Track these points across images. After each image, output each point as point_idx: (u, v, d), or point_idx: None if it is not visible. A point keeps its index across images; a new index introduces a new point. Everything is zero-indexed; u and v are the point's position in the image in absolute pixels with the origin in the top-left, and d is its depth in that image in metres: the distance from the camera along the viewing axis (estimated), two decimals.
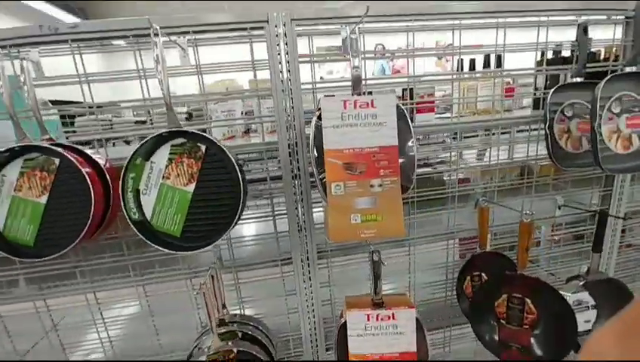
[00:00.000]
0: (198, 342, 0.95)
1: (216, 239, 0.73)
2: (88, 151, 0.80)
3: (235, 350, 0.87)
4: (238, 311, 1.05)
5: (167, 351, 1.06)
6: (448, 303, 1.16)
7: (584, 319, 1.02)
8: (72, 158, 0.73)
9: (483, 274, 1.09)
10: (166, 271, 0.99)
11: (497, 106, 1.25)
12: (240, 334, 0.94)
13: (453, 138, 1.81)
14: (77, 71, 0.82)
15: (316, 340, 1.08)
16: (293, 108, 0.88)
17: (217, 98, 0.90)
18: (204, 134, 0.72)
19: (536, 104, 1.34)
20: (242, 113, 1.17)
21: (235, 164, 0.69)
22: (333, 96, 0.80)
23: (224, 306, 0.96)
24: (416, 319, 0.88)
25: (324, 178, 0.78)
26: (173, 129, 0.71)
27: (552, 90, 1.01)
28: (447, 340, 1.20)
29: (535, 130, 1.10)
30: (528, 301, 0.92)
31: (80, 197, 0.73)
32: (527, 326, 0.93)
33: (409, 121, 0.82)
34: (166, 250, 0.73)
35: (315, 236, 1.00)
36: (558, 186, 1.20)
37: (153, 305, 1.02)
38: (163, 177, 0.74)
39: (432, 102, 1.15)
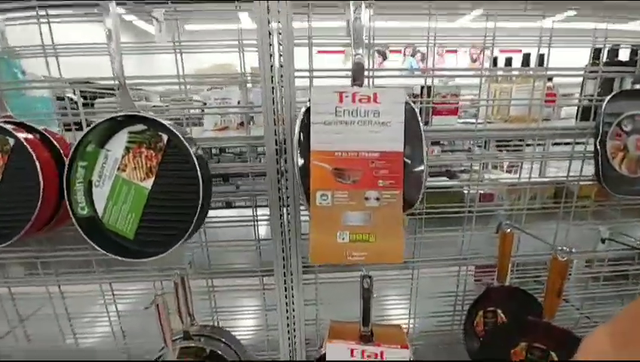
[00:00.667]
0: (161, 354, 0.85)
1: (173, 246, 0.61)
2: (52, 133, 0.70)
3: None
4: (211, 323, 0.94)
5: (135, 356, 0.97)
6: (454, 338, 0.99)
7: None
8: (24, 140, 0.63)
9: (499, 311, 0.91)
10: (134, 270, 0.89)
11: (534, 114, 1.06)
12: (208, 351, 0.83)
13: (480, 146, 1.60)
14: (52, 41, 0.72)
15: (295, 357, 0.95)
16: (283, 98, 0.75)
17: (194, 82, 0.78)
18: (164, 122, 0.60)
19: (583, 114, 1.13)
20: (239, 102, 1.04)
21: (195, 161, 0.57)
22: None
23: (191, 316, 0.84)
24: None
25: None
26: (129, 113, 0.60)
27: (609, 97, 0.81)
28: None
29: (578, 143, 0.90)
30: (554, 355, 0.74)
31: (30, 183, 0.63)
32: None
33: (420, 122, 0.66)
34: (113, 255, 0.62)
35: (302, 246, 0.86)
36: (602, 214, 0.99)
37: (123, 304, 0.94)
38: (118, 168, 0.63)
39: (454, 103, 0.97)
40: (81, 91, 0.89)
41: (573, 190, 1.00)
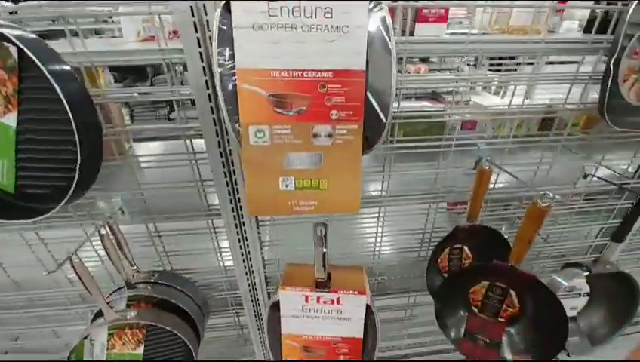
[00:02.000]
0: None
1: (64, 199, 0.47)
2: None
3: (140, 323, 0.71)
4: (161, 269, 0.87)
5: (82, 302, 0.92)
6: (418, 272, 0.98)
7: (571, 305, 0.85)
8: None
9: (465, 249, 0.88)
10: (60, 217, 0.76)
11: (540, 23, 0.86)
12: (157, 298, 0.77)
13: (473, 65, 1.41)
14: None
15: (257, 301, 0.93)
16: None
17: None
18: (4, 24, 0.39)
19: (588, 27, 0.93)
20: None
21: (55, 84, 0.39)
22: None
23: (132, 264, 0.77)
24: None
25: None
26: None
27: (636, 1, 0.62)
28: (411, 304, 1.06)
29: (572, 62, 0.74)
30: (513, 293, 0.73)
31: None
32: (502, 319, 0.75)
33: (390, 28, 0.48)
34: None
35: None
36: (587, 147, 0.89)
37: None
38: None
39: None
40: None
41: (564, 119, 0.87)
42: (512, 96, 0.76)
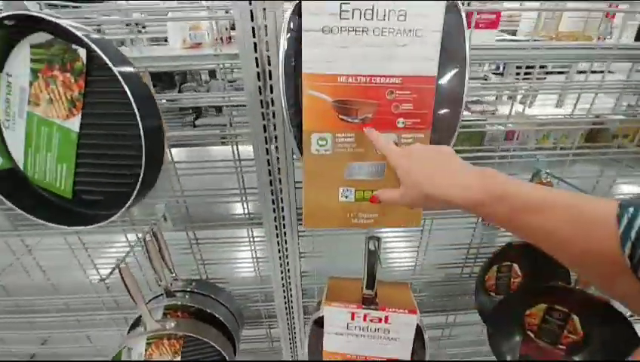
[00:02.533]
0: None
1: (123, 206, 0.46)
2: None
3: (179, 333, 0.69)
4: (197, 277, 0.85)
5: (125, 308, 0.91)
6: (462, 290, 0.93)
7: None
8: None
9: (515, 267, 0.82)
10: None
11: (592, 30, 0.82)
12: (194, 308, 0.75)
13: (517, 74, 1.37)
14: None
15: (292, 314, 0.90)
16: None
17: None
18: (77, 26, 0.38)
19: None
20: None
21: (126, 87, 0.37)
22: None
23: (171, 271, 0.75)
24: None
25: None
26: (16, 12, 0.38)
27: None
28: (451, 323, 1.01)
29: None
30: (575, 318, 0.67)
31: None
32: (562, 347, 0.69)
33: (466, 31, 0.45)
34: (46, 222, 0.47)
35: (297, 193, 0.72)
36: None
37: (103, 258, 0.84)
38: (29, 102, 0.44)
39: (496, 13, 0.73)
40: None
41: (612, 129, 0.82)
42: (575, 106, 0.71)
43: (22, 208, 0.47)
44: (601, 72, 0.70)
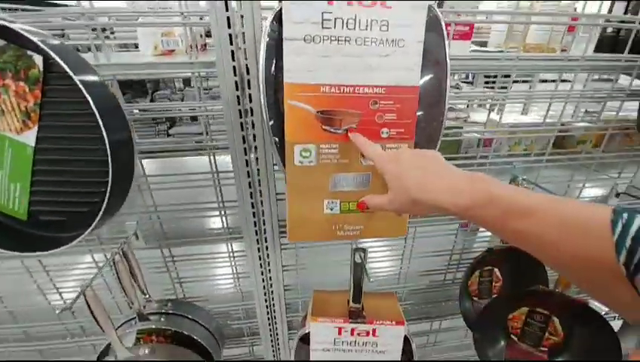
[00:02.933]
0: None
1: (87, 227, 0.42)
2: None
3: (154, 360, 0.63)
4: (174, 296, 0.80)
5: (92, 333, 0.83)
6: (445, 291, 0.93)
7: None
8: None
9: (496, 271, 0.83)
10: None
11: (554, 42, 0.86)
12: (171, 331, 0.70)
13: (486, 83, 1.41)
14: None
15: (275, 330, 0.86)
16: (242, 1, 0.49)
17: None
18: (33, 31, 0.35)
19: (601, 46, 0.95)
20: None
21: (89, 97, 0.34)
22: None
23: (144, 293, 0.70)
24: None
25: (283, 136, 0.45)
26: None
27: None
28: (435, 329, 1.01)
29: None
30: (556, 320, 0.68)
31: None
32: (544, 349, 0.71)
33: (446, 40, 0.45)
34: (7, 251, 0.42)
35: (279, 205, 0.69)
36: (612, 164, 0.88)
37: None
38: None
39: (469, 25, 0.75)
40: None
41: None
42: (546, 115, 0.74)
43: None
44: (561, 80, 0.74)
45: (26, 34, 0.34)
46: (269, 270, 0.76)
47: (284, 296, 0.83)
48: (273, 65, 0.43)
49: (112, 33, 1.38)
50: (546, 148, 1.14)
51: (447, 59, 0.45)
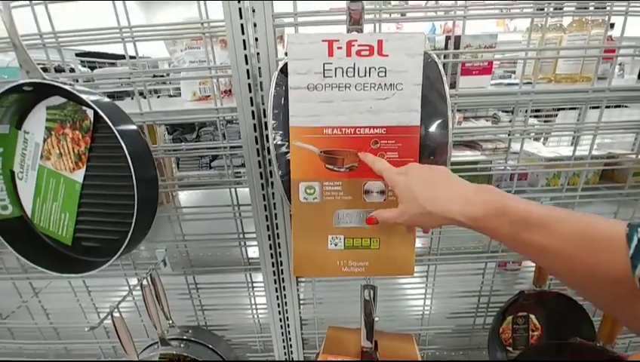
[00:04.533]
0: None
1: (115, 254, 0.47)
2: None
3: None
4: (195, 323, 0.83)
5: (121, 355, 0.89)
6: (474, 343, 0.85)
7: None
8: None
9: (532, 317, 0.76)
10: None
11: (589, 71, 0.82)
12: (190, 358, 0.73)
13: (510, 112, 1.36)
14: None
15: None
16: (259, 54, 0.56)
17: (140, 37, 0.58)
18: (85, 90, 0.43)
19: None
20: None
21: (123, 143, 0.41)
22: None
23: (168, 318, 0.74)
24: None
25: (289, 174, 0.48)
26: (35, 81, 0.43)
27: None
28: None
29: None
30: None
31: None
32: None
33: (445, 83, 0.47)
34: (51, 272, 0.49)
35: None
36: None
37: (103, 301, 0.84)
38: (42, 156, 0.49)
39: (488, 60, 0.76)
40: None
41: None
42: (591, 148, 0.70)
43: (25, 256, 0.49)
44: (617, 106, 0.69)
45: (81, 95, 0.42)
46: (285, 302, 0.77)
47: (302, 330, 0.82)
48: (281, 111, 0.48)
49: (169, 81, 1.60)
50: (595, 180, 1.05)
51: (448, 97, 0.47)
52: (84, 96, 0.42)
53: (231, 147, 0.66)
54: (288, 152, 0.48)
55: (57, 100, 0.46)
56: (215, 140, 1.93)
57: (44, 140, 0.48)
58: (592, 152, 0.73)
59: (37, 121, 0.47)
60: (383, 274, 0.50)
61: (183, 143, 2.46)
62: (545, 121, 1.58)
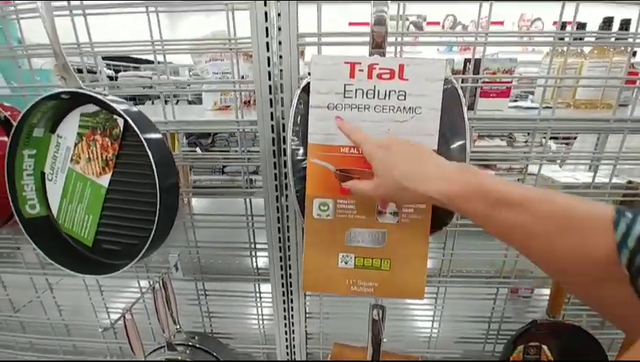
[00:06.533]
0: None
1: (134, 258, 0.49)
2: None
3: None
4: (202, 329, 0.84)
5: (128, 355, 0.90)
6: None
7: None
8: None
9: (544, 348, 0.73)
10: None
11: (610, 98, 0.81)
12: None
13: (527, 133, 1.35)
14: None
15: None
16: (282, 70, 0.58)
17: (169, 49, 0.62)
18: (116, 100, 0.45)
19: None
20: (242, 77, 0.87)
21: (149, 150, 0.43)
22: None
23: (176, 323, 0.75)
24: None
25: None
26: (73, 90, 0.46)
27: None
28: None
29: None
30: None
31: None
32: None
33: (464, 109, 0.47)
34: (70, 271, 0.51)
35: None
36: None
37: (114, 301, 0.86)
38: (72, 160, 0.51)
39: (507, 82, 0.76)
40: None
41: None
42: (611, 177, 0.69)
43: (48, 254, 0.51)
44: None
45: (113, 104, 0.44)
46: (292, 315, 0.77)
47: (307, 344, 0.82)
48: (300, 128, 0.49)
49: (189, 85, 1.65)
50: None
51: (466, 123, 0.47)
52: (115, 105, 0.45)
53: (247, 153, 0.68)
54: (305, 168, 0.49)
55: (91, 108, 0.48)
56: (230, 146, 1.98)
57: (75, 145, 0.50)
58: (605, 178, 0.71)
59: (70, 126, 0.50)
60: (392, 296, 0.50)
61: (198, 148, 2.51)
62: (564, 144, 1.56)
